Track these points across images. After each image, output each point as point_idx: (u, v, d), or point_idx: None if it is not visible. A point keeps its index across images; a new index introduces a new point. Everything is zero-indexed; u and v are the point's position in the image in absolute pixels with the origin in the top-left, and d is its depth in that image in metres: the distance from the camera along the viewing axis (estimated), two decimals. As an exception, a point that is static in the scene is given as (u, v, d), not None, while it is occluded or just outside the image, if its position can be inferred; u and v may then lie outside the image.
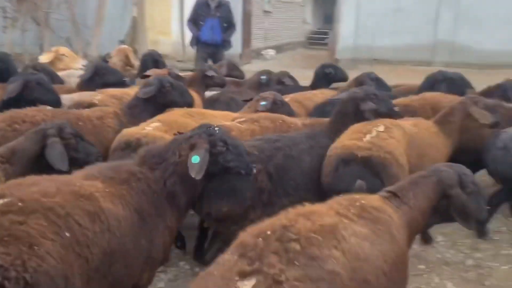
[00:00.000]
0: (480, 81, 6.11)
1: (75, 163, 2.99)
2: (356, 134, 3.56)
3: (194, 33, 9.23)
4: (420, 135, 3.97)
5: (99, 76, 5.49)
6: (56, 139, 2.95)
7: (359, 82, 6.05)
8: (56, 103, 4.44)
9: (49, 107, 4.05)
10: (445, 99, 4.93)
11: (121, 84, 5.63)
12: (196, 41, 9.28)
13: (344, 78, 7.00)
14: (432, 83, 5.64)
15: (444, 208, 2.51)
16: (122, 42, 13.27)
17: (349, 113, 3.91)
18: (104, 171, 2.52)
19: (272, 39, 21.76)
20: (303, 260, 1.81)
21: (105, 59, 7.39)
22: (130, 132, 3.69)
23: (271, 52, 20.53)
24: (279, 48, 21.84)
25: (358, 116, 3.85)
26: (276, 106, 4.80)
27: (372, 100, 3.84)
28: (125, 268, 2.31)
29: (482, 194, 2.68)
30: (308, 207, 2.19)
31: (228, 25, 9.30)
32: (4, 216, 1.94)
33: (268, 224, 2.01)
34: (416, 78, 7.08)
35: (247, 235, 1.95)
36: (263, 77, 5.83)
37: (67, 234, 2.02)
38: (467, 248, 4.19)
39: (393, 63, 16.07)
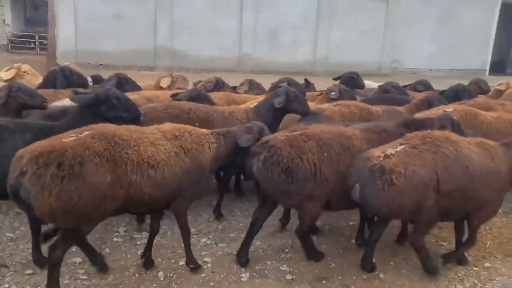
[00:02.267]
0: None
1: None
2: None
3: None
4: (493, 124, 5.24)
5: None
6: (256, 135, 3.89)
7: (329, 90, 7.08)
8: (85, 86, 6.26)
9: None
10: (492, 102, 6.40)
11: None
12: None
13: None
14: (456, 93, 7.05)
15: None
16: None
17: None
18: (365, 127, 4.18)
19: (-32, 41, 18.57)
20: (430, 143, 3.59)
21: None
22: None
23: (-30, 56, 17.54)
24: (-22, 52, 18.84)
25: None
26: (342, 94, 6.42)
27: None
28: None
29: None
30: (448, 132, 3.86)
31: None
32: (299, 137, 3.72)
33: (421, 131, 3.82)
34: (141, 82, 7.36)
35: (411, 134, 3.81)
36: (333, 93, 6.53)
37: (325, 154, 3.69)
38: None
39: (119, 68, 16.35)
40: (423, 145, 3.56)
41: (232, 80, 8.19)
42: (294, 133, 3.80)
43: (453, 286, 3.77)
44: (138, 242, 4.20)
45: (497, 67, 22.56)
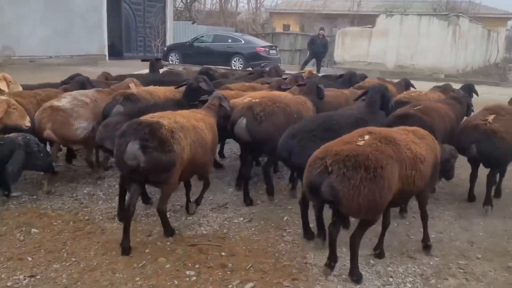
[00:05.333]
0: None
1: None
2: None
3: None
4: None
5: None
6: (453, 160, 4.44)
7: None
8: None
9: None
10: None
11: None
12: None
13: None
14: (350, 78, 8.12)
15: None
16: None
17: None
18: (446, 102, 5.95)
19: None
20: (504, 113, 5.23)
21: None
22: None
23: None
24: None
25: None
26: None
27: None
28: None
29: None
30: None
31: None
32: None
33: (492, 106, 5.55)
34: None
35: (489, 106, 5.43)
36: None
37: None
38: None
39: None
40: (507, 115, 5.09)
41: None
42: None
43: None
44: None
45: (114, 52, 23.04)
